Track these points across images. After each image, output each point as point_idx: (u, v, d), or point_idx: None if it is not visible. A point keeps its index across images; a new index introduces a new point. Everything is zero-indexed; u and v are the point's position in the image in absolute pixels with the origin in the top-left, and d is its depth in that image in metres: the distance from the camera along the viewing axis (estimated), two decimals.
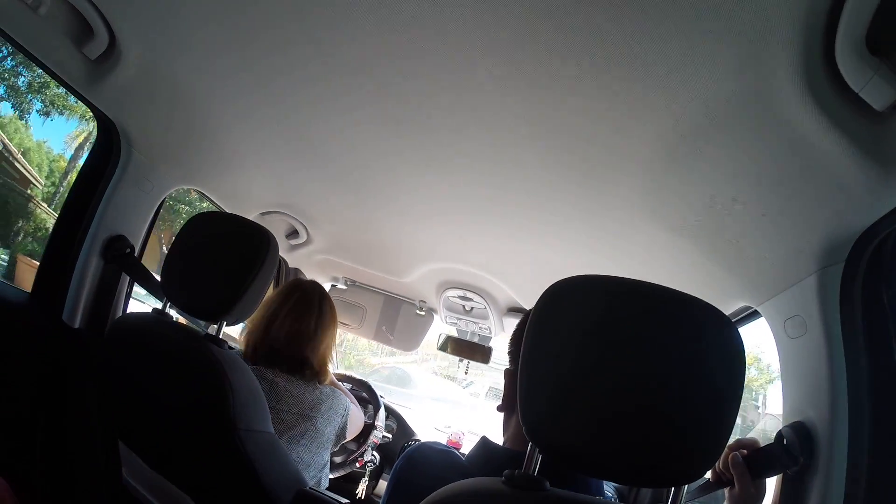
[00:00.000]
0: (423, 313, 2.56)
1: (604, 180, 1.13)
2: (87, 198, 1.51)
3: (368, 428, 2.11)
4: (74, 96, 1.40)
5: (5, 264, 9.31)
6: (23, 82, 11.76)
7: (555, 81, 0.90)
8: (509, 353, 0.99)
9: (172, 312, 1.33)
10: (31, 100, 11.87)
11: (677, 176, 1.01)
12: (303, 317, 1.50)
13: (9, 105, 11.66)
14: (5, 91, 11.68)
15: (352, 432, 1.70)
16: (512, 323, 2.25)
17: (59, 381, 1.43)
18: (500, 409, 0.98)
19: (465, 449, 2.44)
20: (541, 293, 0.67)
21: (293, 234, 2.13)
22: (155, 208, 1.64)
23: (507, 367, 0.99)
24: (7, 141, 11.13)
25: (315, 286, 1.59)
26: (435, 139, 1.18)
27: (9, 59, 11.08)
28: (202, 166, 1.64)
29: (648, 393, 0.59)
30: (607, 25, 0.76)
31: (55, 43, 1.25)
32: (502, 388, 0.99)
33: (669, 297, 0.62)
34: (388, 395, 2.46)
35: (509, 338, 0.99)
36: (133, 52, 1.24)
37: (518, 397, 0.65)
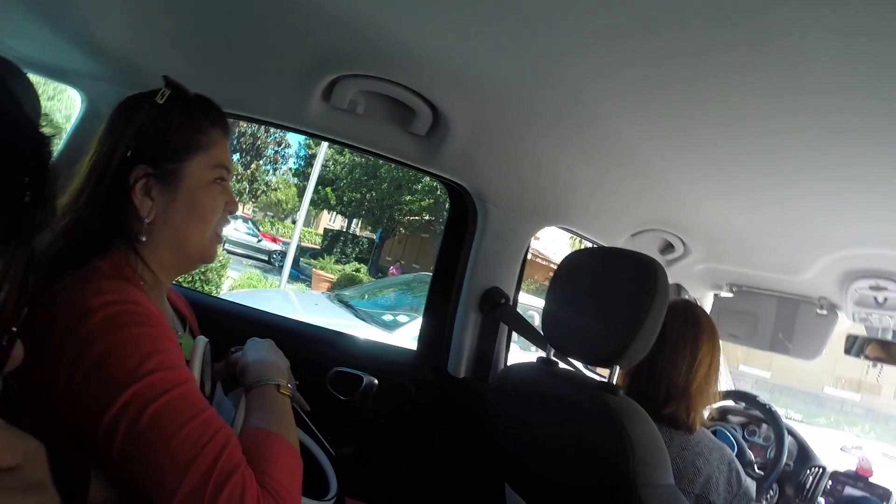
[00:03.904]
0: (824, 312, 2.24)
1: None
2: (455, 258, 1.61)
3: (773, 465, 1.87)
4: (416, 171, 1.50)
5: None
6: None
7: None
8: None
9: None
10: None
11: None
12: (665, 347, 1.23)
13: None
14: None
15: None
16: None
17: (448, 425, 1.53)
18: None
19: (878, 477, 1.97)
20: None
21: (668, 248, 1.98)
22: (522, 255, 1.66)
23: None
24: None
25: (676, 306, 1.30)
26: (838, 102, 0.91)
27: None
28: (560, 204, 1.60)
29: None
30: None
31: (383, 132, 1.35)
32: None
33: None
34: None
35: None
36: (459, 117, 1.27)
37: None
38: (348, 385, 1.43)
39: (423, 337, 1.69)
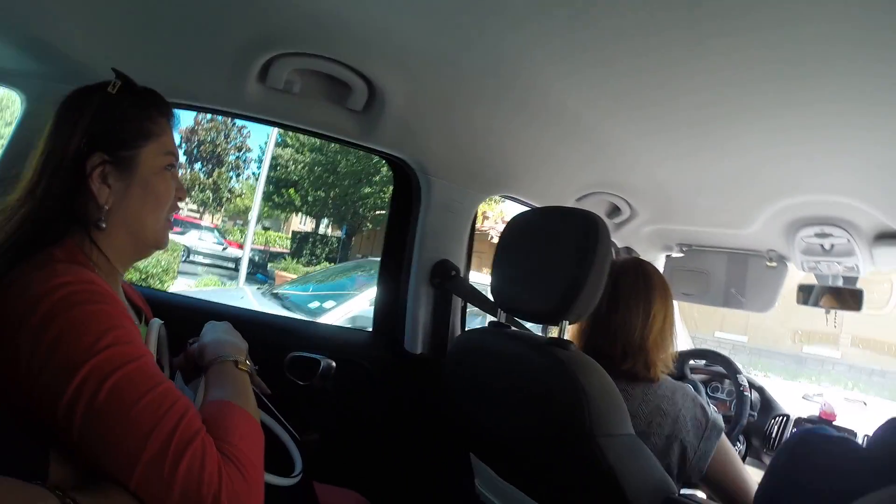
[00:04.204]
0: (774, 264, 2.26)
1: None
2: (402, 234, 1.61)
3: (737, 416, 1.90)
4: (356, 149, 1.50)
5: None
6: None
7: None
8: None
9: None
10: None
11: None
12: (618, 304, 1.25)
13: None
14: None
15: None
16: (888, 252, 1.87)
17: (408, 402, 1.55)
18: None
19: (842, 420, 2.01)
20: None
21: (614, 211, 1.98)
22: (469, 225, 1.66)
23: None
24: None
25: (625, 263, 1.32)
26: (771, 51, 0.92)
27: None
28: (503, 172, 1.61)
29: None
30: None
31: (321, 110, 1.35)
32: None
33: None
34: None
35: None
36: (394, 90, 1.27)
37: None
38: (306, 370, 1.43)
39: (378, 316, 1.69)
